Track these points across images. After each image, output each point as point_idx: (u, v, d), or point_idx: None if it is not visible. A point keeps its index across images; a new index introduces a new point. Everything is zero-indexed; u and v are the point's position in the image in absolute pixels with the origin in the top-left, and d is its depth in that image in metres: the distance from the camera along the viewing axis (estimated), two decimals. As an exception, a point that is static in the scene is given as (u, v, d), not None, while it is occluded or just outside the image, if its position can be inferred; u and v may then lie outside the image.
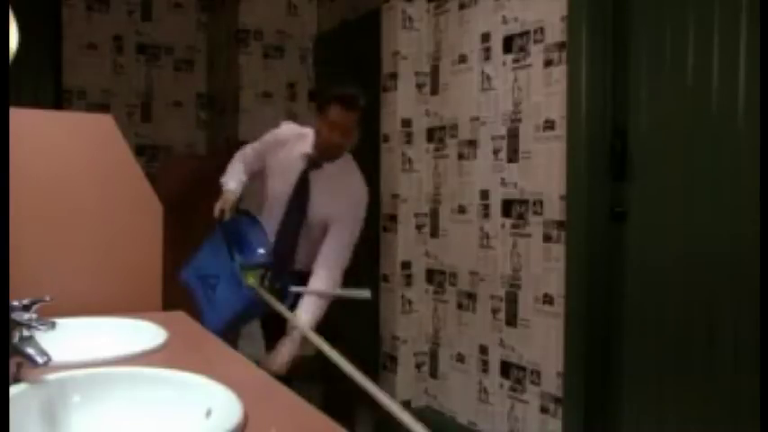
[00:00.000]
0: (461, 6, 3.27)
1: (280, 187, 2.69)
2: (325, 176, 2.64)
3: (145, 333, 1.56)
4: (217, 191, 2.71)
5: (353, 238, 2.67)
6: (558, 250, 2.72)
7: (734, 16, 2.19)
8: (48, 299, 1.24)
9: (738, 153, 2.19)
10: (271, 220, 2.69)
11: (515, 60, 2.94)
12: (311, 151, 2.65)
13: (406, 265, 3.52)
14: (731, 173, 2.22)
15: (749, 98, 2.15)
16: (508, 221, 2.98)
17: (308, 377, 2.53)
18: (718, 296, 2.25)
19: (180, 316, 1.86)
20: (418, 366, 3.53)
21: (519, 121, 2.92)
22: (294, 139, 2.71)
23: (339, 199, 2.63)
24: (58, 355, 1.13)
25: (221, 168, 2.81)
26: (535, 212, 2.84)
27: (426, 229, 3.51)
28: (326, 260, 2.62)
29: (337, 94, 2.63)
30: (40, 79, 4.45)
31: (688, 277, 2.35)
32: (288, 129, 2.79)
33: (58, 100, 4.53)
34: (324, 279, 2.60)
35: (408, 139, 3.53)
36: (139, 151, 4.53)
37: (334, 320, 2.64)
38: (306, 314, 2.52)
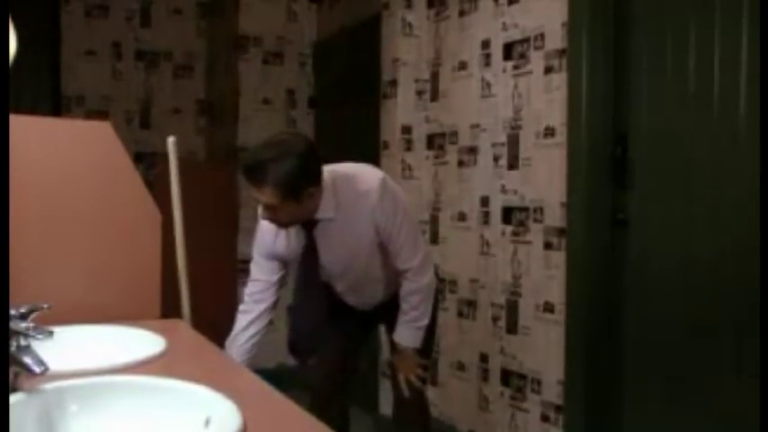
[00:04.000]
0: (461, 13, 3.27)
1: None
2: (328, 222, 2.11)
3: (143, 341, 1.55)
4: (216, 196, 2.66)
5: (408, 224, 2.21)
6: (559, 257, 2.71)
7: (735, 23, 2.19)
8: (45, 306, 1.23)
9: (740, 160, 2.18)
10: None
11: (515, 67, 2.94)
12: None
13: (405, 273, 3.50)
14: (733, 179, 2.21)
15: (750, 105, 2.14)
16: (508, 228, 2.97)
17: (306, 386, 2.51)
18: (720, 303, 2.24)
19: (179, 324, 1.85)
20: (418, 374, 3.51)
21: (519, 127, 2.91)
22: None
23: (360, 223, 2.13)
24: (55, 364, 1.12)
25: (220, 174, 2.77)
26: (536, 219, 2.83)
27: (426, 237, 3.50)
28: (403, 261, 2.21)
29: (242, 162, 2.00)
30: (38, 85, 4.44)
31: (689, 284, 2.34)
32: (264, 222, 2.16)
33: (57, 106, 4.52)
34: (416, 274, 2.23)
35: (408, 146, 3.52)
36: (138, 158, 4.51)
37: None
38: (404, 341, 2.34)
